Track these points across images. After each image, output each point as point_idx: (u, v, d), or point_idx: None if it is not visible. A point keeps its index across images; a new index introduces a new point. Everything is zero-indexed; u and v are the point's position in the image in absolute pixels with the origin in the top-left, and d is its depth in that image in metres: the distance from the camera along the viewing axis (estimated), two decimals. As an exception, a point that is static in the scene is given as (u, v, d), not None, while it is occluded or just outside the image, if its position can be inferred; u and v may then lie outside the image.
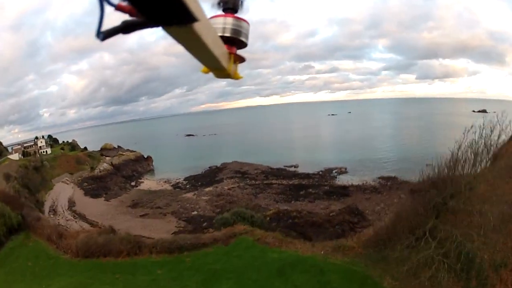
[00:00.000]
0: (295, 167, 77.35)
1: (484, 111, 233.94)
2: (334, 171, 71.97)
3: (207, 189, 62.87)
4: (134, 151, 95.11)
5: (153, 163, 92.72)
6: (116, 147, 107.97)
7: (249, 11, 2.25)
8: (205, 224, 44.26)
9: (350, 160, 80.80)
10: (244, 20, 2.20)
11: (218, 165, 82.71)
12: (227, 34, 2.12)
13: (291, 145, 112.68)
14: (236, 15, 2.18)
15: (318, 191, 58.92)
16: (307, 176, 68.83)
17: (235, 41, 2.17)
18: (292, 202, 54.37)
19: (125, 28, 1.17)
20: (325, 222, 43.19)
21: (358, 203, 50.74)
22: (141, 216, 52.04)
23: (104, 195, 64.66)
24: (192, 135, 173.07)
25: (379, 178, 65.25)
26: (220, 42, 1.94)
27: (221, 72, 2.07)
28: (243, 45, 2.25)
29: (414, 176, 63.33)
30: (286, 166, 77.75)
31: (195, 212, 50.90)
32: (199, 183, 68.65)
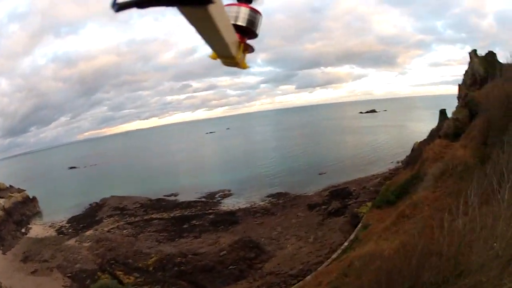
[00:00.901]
0: (175, 195, 73.79)
1: (373, 111, 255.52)
2: (217, 195, 69.58)
3: (88, 232, 58.05)
4: (23, 191, 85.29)
5: (39, 204, 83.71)
6: (9, 186, 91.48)
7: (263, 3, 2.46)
8: (88, 281, 40.96)
9: (233, 180, 78.32)
10: (259, 12, 2.37)
11: (98, 201, 77.25)
12: (243, 24, 2.28)
13: (169, 170, 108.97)
14: (251, 5, 2.34)
15: (203, 221, 55.35)
16: (189, 205, 65.57)
17: (247, 31, 2.33)
18: (176, 240, 50.26)
19: (141, 3, 1.26)
20: (217, 264, 40.69)
21: (250, 231, 48.52)
22: (32, 273, 47.53)
23: (1, 247, 57.52)
24: (75, 167, 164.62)
25: (268, 196, 63.66)
26: (233, 29, 2.08)
27: (229, 60, 2.24)
28: (253, 35, 2.40)
29: (308, 188, 62.63)
30: (166, 196, 73.79)
31: (78, 265, 46.83)
32: (81, 225, 63.26)
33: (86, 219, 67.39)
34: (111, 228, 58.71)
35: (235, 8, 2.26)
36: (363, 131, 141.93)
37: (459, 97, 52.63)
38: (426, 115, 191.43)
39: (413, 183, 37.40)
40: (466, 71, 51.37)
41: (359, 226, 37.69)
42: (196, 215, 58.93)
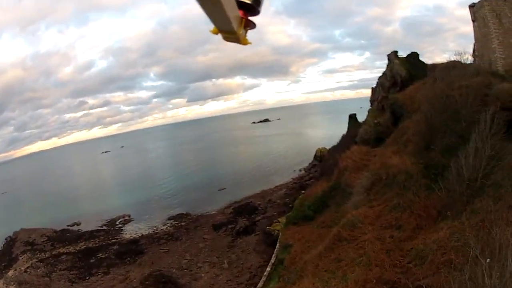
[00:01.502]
0: (77, 225, 67.60)
1: (266, 120, 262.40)
2: (118, 222, 64.56)
3: (10, 273, 52.23)
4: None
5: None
6: None
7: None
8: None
9: (132, 203, 73.52)
10: None
11: (11, 235, 68.72)
12: (248, 1, 2.22)
13: (69, 196, 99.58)
14: None
15: (109, 254, 50.57)
16: (92, 235, 60.15)
17: (249, 7, 2.26)
18: (87, 279, 45.35)
19: None
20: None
21: (158, 261, 43.98)
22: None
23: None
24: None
25: (169, 219, 59.97)
26: (235, 5, 2.04)
27: (230, 35, 2.22)
28: (256, 12, 2.32)
29: (209, 207, 59.97)
30: (69, 226, 67.16)
31: (12, 315, 42.37)
32: (3, 264, 56.71)
33: (5, 256, 61.26)
34: (27, 268, 53.23)
35: None
36: (258, 141, 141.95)
37: (373, 100, 51.69)
38: (322, 120, 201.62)
39: (333, 195, 34.62)
40: (384, 73, 50.37)
41: (277, 246, 33.89)
42: (101, 247, 54.22)
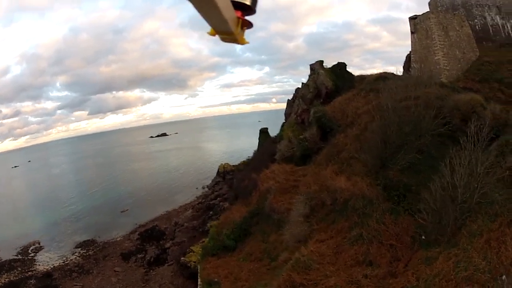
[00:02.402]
0: None
1: (164, 134, 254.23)
2: (30, 250, 54.90)
3: None
4: None
5: None
6: None
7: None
8: None
9: (40, 227, 62.93)
10: None
11: None
12: (247, 3, 2.14)
13: None
14: None
15: None
16: (11, 265, 50.78)
17: (245, 7, 2.18)
18: None
19: None
20: None
21: None
22: None
23: None
24: None
25: (77, 247, 51.62)
26: (231, 5, 1.99)
27: (228, 36, 2.15)
28: (252, 12, 2.25)
29: (115, 232, 54.90)
30: None
31: None
32: None
33: None
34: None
35: None
36: (157, 156, 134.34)
37: (288, 113, 48.28)
38: (220, 135, 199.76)
39: (255, 221, 29.87)
40: (306, 84, 46.44)
41: (199, 283, 28.18)
42: (21, 280, 45.30)
